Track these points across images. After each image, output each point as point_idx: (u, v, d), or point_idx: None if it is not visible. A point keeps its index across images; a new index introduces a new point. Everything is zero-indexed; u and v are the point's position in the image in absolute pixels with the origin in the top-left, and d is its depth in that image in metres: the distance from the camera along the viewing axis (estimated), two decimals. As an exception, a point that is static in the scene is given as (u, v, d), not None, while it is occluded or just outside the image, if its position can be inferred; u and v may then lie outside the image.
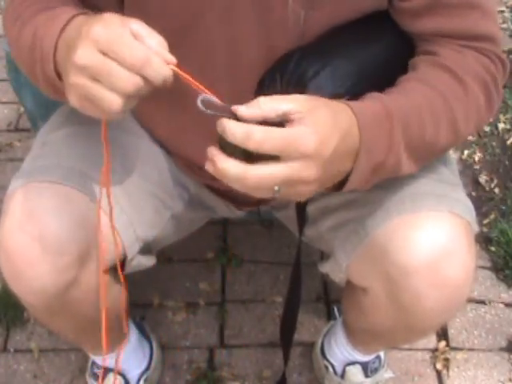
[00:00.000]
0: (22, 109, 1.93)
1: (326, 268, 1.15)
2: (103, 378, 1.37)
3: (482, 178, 1.85)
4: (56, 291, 0.98)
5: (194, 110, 1.01)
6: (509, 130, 1.96)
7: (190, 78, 0.75)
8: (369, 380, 1.39)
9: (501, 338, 1.54)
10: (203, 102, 0.74)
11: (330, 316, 1.55)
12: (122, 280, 1.02)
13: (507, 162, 1.89)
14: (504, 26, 2.27)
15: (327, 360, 1.40)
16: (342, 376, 1.38)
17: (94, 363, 1.38)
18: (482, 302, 1.60)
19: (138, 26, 0.75)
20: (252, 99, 0.76)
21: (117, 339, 1.21)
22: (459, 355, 1.50)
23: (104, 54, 0.73)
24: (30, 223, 0.94)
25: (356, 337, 1.30)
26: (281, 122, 0.75)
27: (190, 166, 1.14)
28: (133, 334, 1.37)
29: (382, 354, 1.40)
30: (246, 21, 0.91)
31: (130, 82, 0.73)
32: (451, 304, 0.98)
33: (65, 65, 0.79)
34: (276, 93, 0.77)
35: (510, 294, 1.62)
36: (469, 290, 0.98)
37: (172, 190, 1.15)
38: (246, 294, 1.62)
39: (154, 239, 1.13)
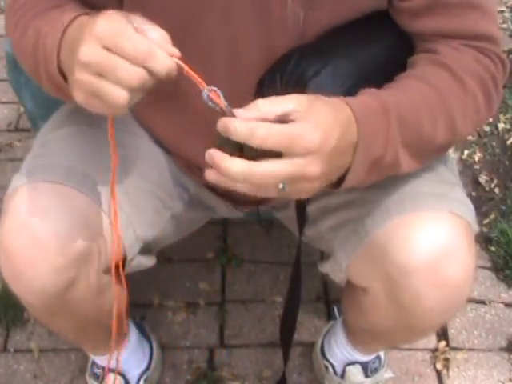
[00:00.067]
0: (22, 109, 1.93)
1: (326, 268, 1.15)
2: (103, 378, 1.37)
3: (482, 178, 1.85)
4: (56, 291, 0.98)
5: (193, 110, 1.01)
6: (509, 130, 1.96)
7: (192, 72, 0.76)
8: (369, 380, 1.39)
9: (501, 338, 1.54)
10: (209, 94, 0.74)
11: (330, 316, 1.55)
12: (123, 280, 1.01)
13: (507, 162, 1.89)
14: (504, 25, 2.27)
15: (327, 360, 1.40)
16: (342, 376, 1.38)
17: (94, 363, 1.38)
18: (482, 302, 1.60)
19: (140, 20, 0.76)
20: (252, 99, 0.76)
21: (117, 339, 1.21)
22: (459, 355, 1.50)
23: (108, 49, 0.73)
24: (30, 223, 0.94)
25: (356, 337, 1.30)
26: (281, 122, 0.75)
27: (189, 166, 1.14)
28: (133, 334, 1.37)
29: (381, 353, 1.40)
30: (245, 21, 0.92)
31: (135, 75, 0.73)
32: (451, 304, 0.98)
33: (69, 63, 0.80)
34: (276, 93, 0.77)
35: (510, 294, 1.62)
36: (469, 289, 0.98)
37: (172, 190, 1.15)
38: (246, 294, 1.62)
39: (154, 239, 1.13)
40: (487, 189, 1.82)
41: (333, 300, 1.58)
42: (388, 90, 0.88)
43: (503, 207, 1.78)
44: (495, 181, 1.84)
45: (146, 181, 1.10)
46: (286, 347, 1.20)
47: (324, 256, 1.31)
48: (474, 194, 1.80)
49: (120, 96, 0.74)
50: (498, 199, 1.80)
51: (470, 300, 1.59)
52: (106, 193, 1.01)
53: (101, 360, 1.35)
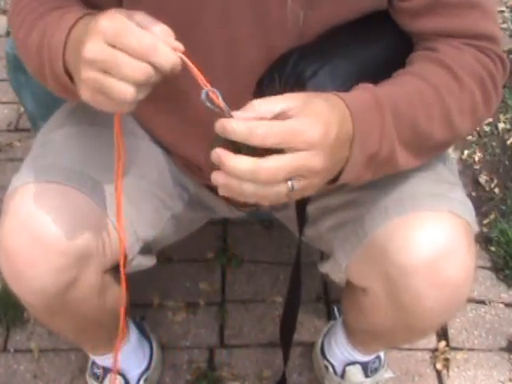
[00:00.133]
0: (22, 109, 1.93)
1: (325, 268, 1.15)
2: (103, 378, 1.37)
3: (482, 178, 1.85)
4: (56, 291, 0.98)
5: (193, 111, 1.01)
6: (509, 130, 1.96)
7: (194, 68, 0.76)
8: (369, 380, 1.39)
9: (501, 338, 1.54)
10: (208, 94, 0.74)
11: (330, 316, 1.55)
12: (124, 280, 1.01)
13: (507, 162, 1.89)
14: (504, 25, 2.27)
15: (327, 360, 1.40)
16: (342, 376, 1.38)
17: (94, 363, 1.38)
18: (482, 302, 1.60)
19: (142, 17, 0.76)
20: (251, 99, 0.76)
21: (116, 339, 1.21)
22: (459, 355, 1.50)
23: (112, 46, 0.74)
24: (30, 223, 0.94)
25: (356, 337, 1.30)
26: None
27: (189, 166, 1.14)
28: (133, 334, 1.37)
29: (381, 354, 1.40)
30: (244, 21, 0.92)
31: (140, 70, 0.73)
32: (451, 304, 0.98)
33: (75, 63, 0.80)
34: (275, 93, 0.77)
35: (510, 294, 1.62)
36: (469, 289, 0.98)
37: (172, 190, 1.15)
38: (246, 294, 1.62)
39: (154, 239, 1.13)
40: (487, 189, 1.82)
41: (333, 300, 1.58)
42: (383, 85, 0.88)
43: (503, 207, 1.78)
44: (495, 181, 1.84)
45: (146, 181, 1.10)
46: (286, 347, 1.20)
47: (324, 256, 1.31)
48: (473, 194, 1.80)
49: (126, 92, 0.74)
50: (498, 199, 1.80)
51: (470, 300, 1.59)
52: (106, 192, 1.01)
53: (101, 360, 1.35)
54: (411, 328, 1.05)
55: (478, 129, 1.94)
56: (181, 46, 0.76)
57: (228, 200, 1.20)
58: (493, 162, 1.89)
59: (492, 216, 1.76)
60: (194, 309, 1.59)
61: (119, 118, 0.85)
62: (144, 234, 1.09)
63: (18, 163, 1.05)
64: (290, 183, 0.75)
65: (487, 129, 1.97)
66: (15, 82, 1.42)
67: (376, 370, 1.39)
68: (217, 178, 0.75)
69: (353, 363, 1.36)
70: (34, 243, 0.94)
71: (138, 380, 1.39)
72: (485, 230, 1.72)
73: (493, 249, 1.68)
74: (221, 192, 0.78)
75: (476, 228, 1.02)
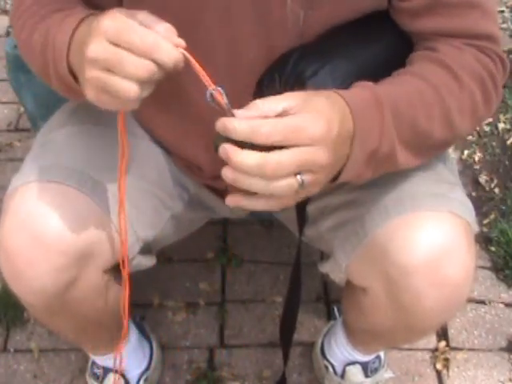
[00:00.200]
0: (22, 109, 1.93)
1: (325, 268, 1.15)
2: (103, 378, 1.37)
3: (482, 178, 1.85)
4: (56, 291, 0.98)
5: (194, 111, 1.01)
6: (509, 130, 1.96)
7: (197, 64, 0.76)
8: (369, 380, 1.39)
9: (501, 338, 1.54)
10: (212, 93, 0.74)
11: (330, 316, 1.55)
12: (127, 280, 1.01)
13: (507, 162, 1.89)
14: (504, 25, 2.27)
15: (327, 360, 1.40)
16: (342, 376, 1.38)
17: (94, 363, 1.38)
18: (482, 302, 1.60)
19: (145, 16, 0.77)
20: (251, 99, 0.76)
21: (117, 339, 1.21)
22: (459, 355, 1.50)
23: (115, 45, 0.74)
24: (29, 223, 0.94)
25: (356, 337, 1.30)
26: None
27: (189, 167, 1.14)
28: (133, 334, 1.37)
29: (381, 354, 1.40)
30: (245, 21, 0.92)
31: (143, 67, 0.74)
32: (451, 304, 0.98)
33: (79, 63, 0.81)
34: (275, 93, 0.77)
35: (510, 294, 1.62)
36: (469, 289, 0.98)
37: (172, 190, 1.15)
38: (246, 294, 1.62)
39: (154, 239, 1.13)
40: (487, 189, 1.82)
41: (333, 300, 1.58)
42: (382, 84, 0.88)
43: (503, 207, 1.78)
44: (495, 181, 1.84)
45: (146, 181, 1.10)
46: (286, 347, 1.20)
47: (324, 256, 1.31)
48: (474, 194, 1.80)
49: (130, 89, 0.75)
50: (498, 199, 1.80)
51: (470, 300, 1.59)
52: (106, 192, 1.01)
53: (101, 360, 1.35)
54: (411, 328, 1.05)
55: (477, 129, 1.94)
56: (183, 43, 0.76)
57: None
58: (493, 162, 1.89)
59: (492, 216, 1.76)
60: (194, 309, 1.59)
61: (123, 116, 0.85)
62: (144, 233, 1.09)
63: (18, 163, 1.05)
64: (299, 177, 0.75)
65: (487, 129, 1.97)
66: (15, 82, 1.42)
67: (376, 370, 1.39)
68: (226, 173, 0.75)
69: (353, 363, 1.36)
70: (34, 243, 0.94)
71: (138, 380, 1.39)
72: (485, 229, 1.72)
73: (493, 249, 1.68)
74: (228, 202, 0.78)
75: (476, 228, 1.02)
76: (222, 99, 0.75)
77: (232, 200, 0.79)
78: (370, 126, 0.83)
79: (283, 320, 1.16)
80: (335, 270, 1.11)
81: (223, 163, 0.78)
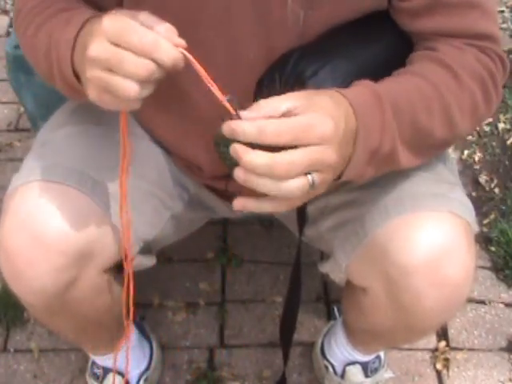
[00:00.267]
0: (22, 109, 1.93)
1: (325, 268, 1.15)
2: (103, 378, 1.37)
3: (482, 178, 1.85)
4: (56, 291, 0.98)
5: (194, 111, 1.01)
6: (509, 130, 1.96)
7: (197, 64, 0.76)
8: (369, 380, 1.39)
9: (501, 338, 1.54)
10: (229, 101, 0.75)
11: (330, 316, 1.55)
12: (131, 279, 1.01)
13: (507, 162, 1.89)
14: (504, 25, 2.27)
15: (327, 360, 1.40)
16: (342, 376, 1.38)
17: (94, 363, 1.39)
18: (482, 302, 1.60)
19: (146, 16, 0.77)
20: (251, 99, 0.76)
21: (117, 339, 1.21)
22: (459, 355, 1.50)
23: (115, 44, 0.75)
24: (29, 223, 0.95)
25: (356, 337, 1.30)
26: None
27: (189, 167, 1.14)
28: (133, 334, 1.37)
29: (381, 354, 1.40)
30: (245, 21, 0.92)
31: (143, 67, 0.74)
32: (451, 304, 0.98)
33: (81, 63, 0.81)
34: (275, 93, 0.77)
35: (510, 294, 1.62)
36: (469, 289, 0.98)
37: (172, 190, 1.15)
38: (246, 294, 1.62)
39: (154, 239, 1.13)
40: (487, 189, 1.82)
41: (333, 300, 1.58)
42: (382, 82, 0.88)
43: (503, 207, 1.78)
44: (495, 181, 1.84)
45: (146, 181, 1.10)
46: (286, 347, 1.20)
47: (324, 256, 1.31)
48: (474, 194, 1.80)
49: (130, 89, 0.75)
50: (498, 199, 1.80)
51: (470, 300, 1.59)
52: (106, 192, 1.01)
53: (101, 360, 1.35)
54: (411, 328, 1.05)
55: (477, 129, 1.94)
56: (183, 43, 0.76)
57: (228, 199, 1.19)
58: (493, 162, 1.89)
59: (492, 216, 1.76)
60: (194, 309, 1.59)
61: (125, 115, 0.85)
62: (144, 233, 1.09)
63: (18, 163, 1.05)
64: (310, 177, 0.75)
65: (487, 129, 1.97)
66: (15, 82, 1.42)
67: (376, 370, 1.39)
68: (238, 173, 0.75)
69: (353, 363, 1.36)
70: (34, 243, 0.94)
71: (138, 380, 1.39)
72: (485, 229, 1.72)
73: (493, 249, 1.68)
74: (235, 205, 0.78)
75: (476, 228, 1.02)
76: (232, 106, 0.75)
77: (239, 203, 0.79)
78: (371, 125, 0.83)
79: (283, 320, 1.16)
80: (335, 270, 1.11)
81: (222, 163, 0.78)
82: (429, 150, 0.94)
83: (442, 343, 1.52)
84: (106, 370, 1.36)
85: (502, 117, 1.98)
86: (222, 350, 1.52)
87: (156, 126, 1.11)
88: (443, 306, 0.96)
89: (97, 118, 1.05)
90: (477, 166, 1.88)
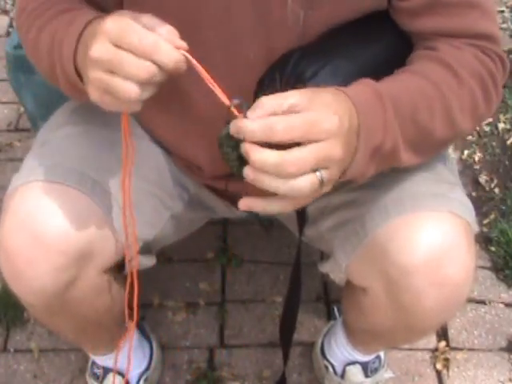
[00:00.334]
0: (22, 109, 1.93)
1: (325, 268, 1.15)
2: (103, 378, 1.37)
3: (482, 178, 1.85)
4: (56, 291, 0.98)
5: (194, 111, 1.01)
6: (509, 130, 1.96)
7: (199, 66, 0.76)
8: (369, 380, 1.39)
9: (501, 338, 1.54)
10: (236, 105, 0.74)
11: (330, 316, 1.55)
12: (136, 279, 1.01)
13: (507, 162, 1.89)
14: (504, 25, 2.27)
15: (327, 360, 1.40)
16: (342, 376, 1.38)
17: (94, 363, 1.39)
18: (482, 302, 1.60)
19: (149, 18, 0.77)
20: (251, 99, 0.76)
21: (118, 339, 1.21)
22: (459, 355, 1.50)
23: (117, 46, 0.75)
24: (29, 222, 0.95)
25: (356, 337, 1.30)
26: None
27: (189, 167, 1.14)
28: (133, 334, 1.37)
29: (381, 353, 1.40)
30: (245, 21, 0.92)
31: (144, 68, 0.74)
32: (451, 303, 0.98)
33: (83, 64, 0.81)
34: (275, 92, 0.77)
35: (510, 294, 1.62)
36: (469, 289, 0.98)
37: (172, 190, 1.15)
38: (246, 294, 1.62)
39: (154, 239, 1.13)
40: (487, 189, 1.82)
41: (333, 300, 1.59)
42: (383, 81, 0.88)
43: (503, 207, 1.78)
44: (495, 181, 1.84)
45: (146, 181, 1.10)
46: (286, 347, 1.20)
47: (324, 256, 1.31)
48: (474, 194, 1.80)
49: (131, 90, 0.75)
50: (498, 199, 1.80)
51: (470, 300, 1.59)
52: (106, 193, 1.01)
53: (101, 360, 1.35)
54: (411, 328, 1.05)
55: (477, 129, 1.94)
56: (185, 45, 0.76)
57: (228, 199, 1.20)
58: (493, 162, 1.89)
59: (492, 216, 1.76)
60: (194, 309, 1.59)
61: (126, 117, 0.85)
62: (144, 233, 1.09)
63: (18, 163, 1.05)
64: (318, 174, 0.75)
65: (487, 129, 1.97)
66: (15, 82, 1.42)
67: (376, 370, 1.40)
68: (247, 172, 0.75)
69: (353, 363, 1.36)
70: (34, 243, 0.94)
71: (138, 380, 1.40)
72: (485, 229, 1.72)
73: (493, 249, 1.68)
74: (241, 206, 0.78)
75: (476, 228, 1.02)
76: (239, 110, 0.74)
77: (245, 204, 0.78)
78: (373, 122, 0.83)
79: (283, 320, 1.16)
80: (335, 270, 1.11)
81: (223, 163, 0.78)
82: (429, 148, 0.94)
83: (442, 343, 1.52)
84: (106, 370, 1.36)
85: (502, 117, 1.98)
86: (222, 349, 1.52)
87: (156, 126, 1.11)
88: (443, 305, 0.96)
89: (97, 118, 1.05)
90: (477, 166, 1.88)
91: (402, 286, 0.96)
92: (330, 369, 1.40)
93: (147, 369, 1.42)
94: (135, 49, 0.74)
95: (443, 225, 0.94)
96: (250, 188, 0.78)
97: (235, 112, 0.74)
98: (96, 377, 1.38)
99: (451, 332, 1.54)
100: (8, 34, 2.29)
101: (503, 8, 2.34)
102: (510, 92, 2.01)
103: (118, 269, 1.09)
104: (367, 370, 1.38)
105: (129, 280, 1.03)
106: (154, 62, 0.74)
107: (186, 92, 0.99)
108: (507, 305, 1.60)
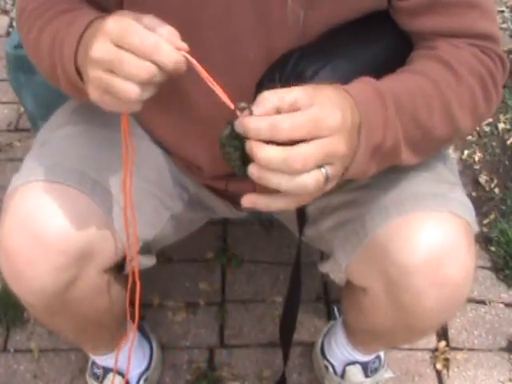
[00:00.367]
0: (22, 109, 1.93)
1: (325, 268, 1.15)
2: (103, 378, 1.37)
3: (482, 178, 1.85)
4: (56, 291, 0.98)
5: (194, 111, 1.01)
6: (509, 130, 1.96)
7: (200, 67, 0.76)
8: (369, 380, 1.39)
9: (501, 338, 1.54)
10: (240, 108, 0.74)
11: (330, 316, 1.55)
12: (138, 279, 1.01)
13: (507, 162, 1.89)
14: (504, 25, 2.27)
15: (327, 360, 1.40)
16: (342, 376, 1.38)
17: (94, 363, 1.39)
18: (482, 302, 1.60)
19: (150, 19, 0.77)
20: (251, 99, 0.76)
21: (118, 339, 1.21)
22: (459, 355, 1.50)
23: (118, 46, 0.75)
24: (29, 222, 0.95)
25: (356, 337, 1.30)
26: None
27: (189, 167, 1.14)
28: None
29: (381, 353, 1.40)
30: (245, 21, 0.92)
31: (144, 69, 0.74)
32: (451, 303, 0.98)
33: (84, 64, 0.81)
34: (276, 92, 0.77)
35: (510, 294, 1.62)
36: (469, 289, 0.98)
37: (172, 190, 1.15)
38: (246, 294, 1.62)
39: (154, 239, 1.13)
40: (487, 189, 1.82)
41: (333, 300, 1.59)
42: (383, 80, 0.88)
43: (503, 207, 1.78)
44: (495, 181, 1.84)
45: (146, 181, 1.10)
46: (286, 347, 1.20)
47: (324, 256, 1.31)
48: (474, 194, 1.80)
49: (131, 90, 0.75)
50: (498, 199, 1.80)
51: (470, 300, 1.59)
52: (106, 192, 1.01)
53: (101, 360, 1.35)
54: (411, 328, 1.05)
55: (477, 129, 1.94)
56: (185, 46, 0.76)
57: (228, 199, 1.20)
58: (493, 162, 1.90)
59: (492, 216, 1.76)
60: (194, 309, 1.59)
61: (126, 117, 0.85)
62: (144, 233, 1.09)
63: (18, 163, 1.05)
64: (323, 170, 0.75)
65: (487, 129, 1.97)
66: (15, 82, 1.42)
67: (376, 370, 1.40)
68: (252, 170, 0.74)
69: (353, 363, 1.36)
70: (34, 243, 0.94)
71: (138, 380, 1.40)
72: (485, 229, 1.72)
73: (493, 249, 1.69)
74: (244, 203, 0.77)
75: (476, 228, 1.02)
76: (244, 111, 0.74)
77: (249, 200, 0.78)
78: (374, 120, 0.82)
79: (283, 320, 1.16)
80: (335, 270, 1.11)
81: (223, 163, 0.78)
82: (430, 146, 0.94)
83: (442, 343, 1.52)
84: (106, 370, 1.36)
85: (502, 117, 1.98)
86: (222, 349, 1.52)
87: (156, 126, 1.11)
88: (443, 305, 0.96)
89: (97, 118, 1.05)
90: (477, 166, 1.88)
91: (402, 286, 0.96)
92: (330, 369, 1.40)
93: (147, 369, 1.42)
94: (136, 49, 0.74)
95: (443, 225, 0.94)
96: (251, 188, 0.78)
97: (238, 113, 0.74)
98: (96, 377, 1.38)
99: (451, 332, 1.54)
100: (8, 34, 2.29)
101: (503, 8, 2.35)
102: (510, 92, 2.01)
103: (117, 269, 1.09)
104: (367, 369, 1.38)
105: (130, 280, 1.03)
106: (155, 63, 0.74)
107: (186, 92, 0.99)
108: (507, 305, 1.60)
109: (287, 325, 1.16)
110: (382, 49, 0.96)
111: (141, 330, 1.44)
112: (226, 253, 1.68)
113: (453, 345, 1.52)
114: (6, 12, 2.40)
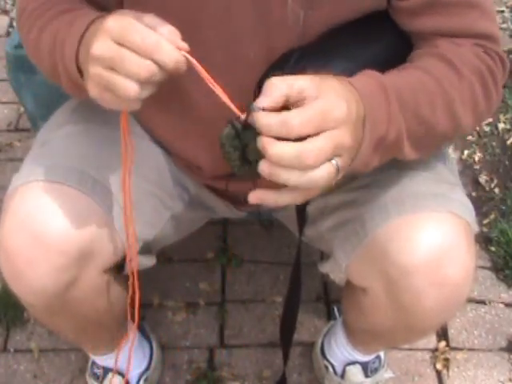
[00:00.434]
0: (22, 109, 1.93)
1: (325, 268, 1.15)
2: (103, 378, 1.37)
3: (482, 178, 1.85)
4: (56, 291, 0.98)
5: (194, 111, 1.02)
6: (509, 130, 1.96)
7: (200, 67, 0.76)
8: (369, 380, 1.39)
9: (501, 338, 1.54)
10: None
11: (330, 316, 1.55)
12: (136, 279, 1.01)
13: (507, 162, 1.89)
14: (504, 25, 2.27)
15: (327, 360, 1.40)
16: (342, 376, 1.38)
17: (94, 363, 1.39)
18: (482, 302, 1.60)
19: (151, 18, 0.77)
20: (251, 99, 0.76)
21: (118, 339, 1.21)
22: (459, 355, 1.50)
23: (119, 44, 0.75)
24: (29, 223, 0.95)
25: (356, 337, 1.30)
26: (286, 107, 0.73)
27: (189, 167, 1.14)
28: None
29: (381, 353, 1.40)
30: (245, 20, 0.92)
31: (144, 67, 0.74)
32: (451, 303, 0.98)
33: (85, 62, 0.81)
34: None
35: (510, 294, 1.62)
36: (469, 289, 0.98)
37: (172, 190, 1.15)
38: (246, 294, 1.62)
39: (154, 239, 1.13)
40: (487, 189, 1.82)
41: (333, 300, 1.59)
42: (386, 75, 0.88)
43: (503, 207, 1.78)
44: (495, 181, 1.84)
45: (146, 181, 1.10)
46: (286, 347, 1.20)
47: (324, 256, 1.31)
48: (474, 194, 1.80)
49: (130, 88, 0.75)
50: (498, 199, 1.80)
51: (470, 300, 1.59)
52: (106, 192, 1.01)
53: (101, 360, 1.35)
54: (411, 328, 1.05)
55: (477, 129, 1.94)
56: (186, 46, 0.76)
57: (228, 199, 1.20)
58: (493, 162, 1.89)
59: (492, 216, 1.76)
60: (194, 309, 1.59)
61: (126, 115, 0.85)
62: (144, 233, 1.09)
63: (18, 163, 1.05)
64: (334, 162, 0.74)
65: (487, 129, 1.97)
66: (15, 82, 1.42)
67: (376, 370, 1.40)
68: (262, 167, 0.73)
69: (353, 363, 1.36)
70: (34, 243, 0.94)
71: (138, 380, 1.40)
72: (485, 229, 1.72)
73: (493, 249, 1.68)
74: (251, 199, 0.77)
75: (476, 228, 1.02)
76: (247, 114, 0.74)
77: (256, 196, 0.77)
78: (378, 113, 0.82)
79: (283, 320, 1.16)
80: (335, 270, 1.11)
81: (223, 163, 0.78)
82: (431, 141, 0.94)
83: (442, 343, 1.52)
84: (106, 370, 1.36)
85: (502, 117, 1.98)
86: (222, 349, 1.52)
87: (156, 125, 1.11)
88: (443, 305, 0.97)
89: (97, 116, 1.05)
90: (477, 166, 1.88)
91: (402, 286, 0.96)
92: (330, 369, 1.40)
93: (147, 369, 1.42)
94: (137, 47, 0.74)
95: (443, 225, 0.94)
96: (251, 188, 0.78)
97: (244, 116, 0.74)
98: (96, 377, 1.38)
99: (451, 332, 1.54)
100: (8, 34, 2.29)
101: (503, 8, 2.35)
102: (510, 92, 2.01)
103: (117, 269, 1.09)
104: (367, 369, 1.38)
105: (130, 280, 1.03)
106: (155, 62, 0.74)
107: (187, 92, 0.99)
108: (507, 305, 1.60)
109: (287, 325, 1.16)
110: (381, 49, 0.96)
111: (141, 330, 1.44)
112: (226, 253, 1.68)
113: (453, 345, 1.52)
114: (5, 12, 2.40)
